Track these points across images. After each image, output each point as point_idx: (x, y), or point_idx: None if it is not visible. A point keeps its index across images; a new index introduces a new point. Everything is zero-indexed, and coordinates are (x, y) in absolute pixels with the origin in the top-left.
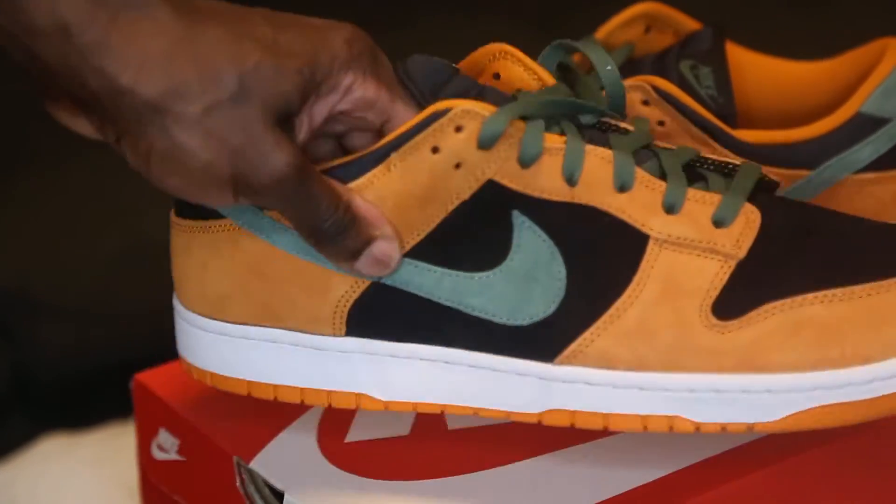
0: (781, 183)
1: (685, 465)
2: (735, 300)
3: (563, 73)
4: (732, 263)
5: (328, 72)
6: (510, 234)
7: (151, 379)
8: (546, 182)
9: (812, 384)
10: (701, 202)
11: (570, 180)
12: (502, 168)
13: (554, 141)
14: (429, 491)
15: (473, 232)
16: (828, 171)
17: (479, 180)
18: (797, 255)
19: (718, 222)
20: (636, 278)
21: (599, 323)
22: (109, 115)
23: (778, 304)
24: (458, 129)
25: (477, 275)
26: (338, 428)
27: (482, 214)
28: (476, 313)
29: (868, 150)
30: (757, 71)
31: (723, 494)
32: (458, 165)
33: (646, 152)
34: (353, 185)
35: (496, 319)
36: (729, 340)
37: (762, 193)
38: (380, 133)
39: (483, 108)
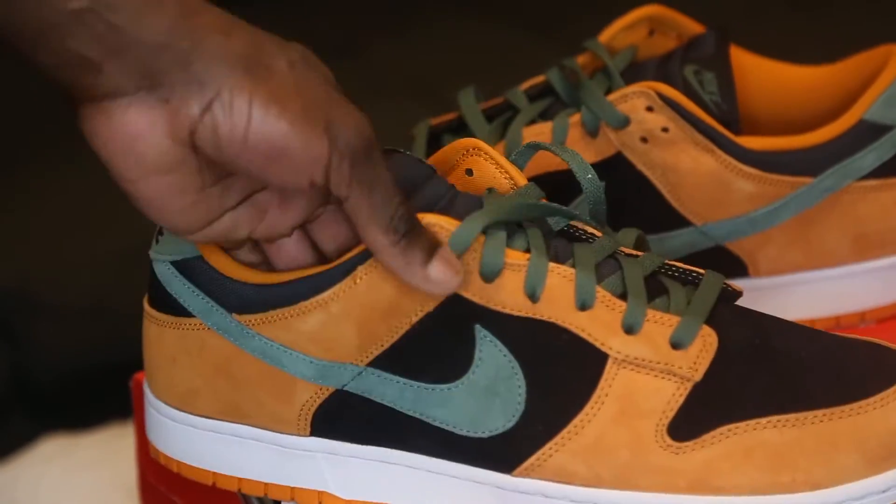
0: (743, 293)
1: None
2: (690, 422)
3: (566, 75)
4: (689, 385)
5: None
6: (473, 348)
7: None
8: (508, 297)
9: None
10: (659, 323)
11: (532, 297)
12: (465, 282)
13: (516, 257)
14: None
15: (437, 344)
16: (831, 178)
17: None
18: (752, 377)
19: (676, 344)
20: (594, 396)
21: (558, 438)
22: (200, 79)
23: (732, 426)
24: None
25: (439, 387)
26: None
27: (445, 327)
28: (437, 423)
29: (871, 157)
30: (760, 75)
31: None
32: None
33: (611, 263)
34: (319, 298)
35: (457, 431)
36: (683, 461)
37: (723, 305)
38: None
39: (448, 223)
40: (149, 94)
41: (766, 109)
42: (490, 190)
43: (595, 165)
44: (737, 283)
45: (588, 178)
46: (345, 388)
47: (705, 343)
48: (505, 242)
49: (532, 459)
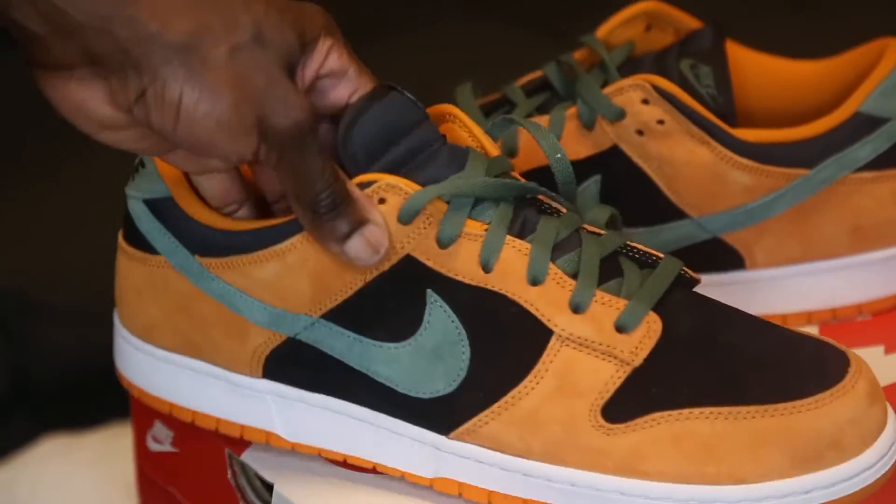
0: (700, 280)
1: None
2: (624, 405)
3: (563, 70)
4: (628, 369)
5: (314, 33)
6: (423, 311)
7: None
8: (462, 265)
9: (686, 496)
10: (607, 305)
11: (485, 267)
12: (421, 245)
13: (475, 227)
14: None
15: (388, 303)
16: (827, 170)
17: (397, 254)
18: (691, 367)
19: (620, 328)
20: (535, 370)
21: (495, 407)
22: (136, 65)
23: (665, 414)
24: (382, 201)
25: (386, 345)
26: None
27: (398, 288)
28: (381, 380)
29: (867, 149)
30: (757, 70)
31: None
32: None
33: (573, 240)
34: (276, 248)
35: (399, 389)
36: (612, 443)
37: (678, 291)
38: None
39: (407, 185)
40: (90, 70)
41: (763, 103)
42: (468, 150)
43: (591, 158)
44: (734, 276)
45: (557, 158)
46: (297, 337)
47: (649, 329)
48: (467, 213)
49: (468, 424)
